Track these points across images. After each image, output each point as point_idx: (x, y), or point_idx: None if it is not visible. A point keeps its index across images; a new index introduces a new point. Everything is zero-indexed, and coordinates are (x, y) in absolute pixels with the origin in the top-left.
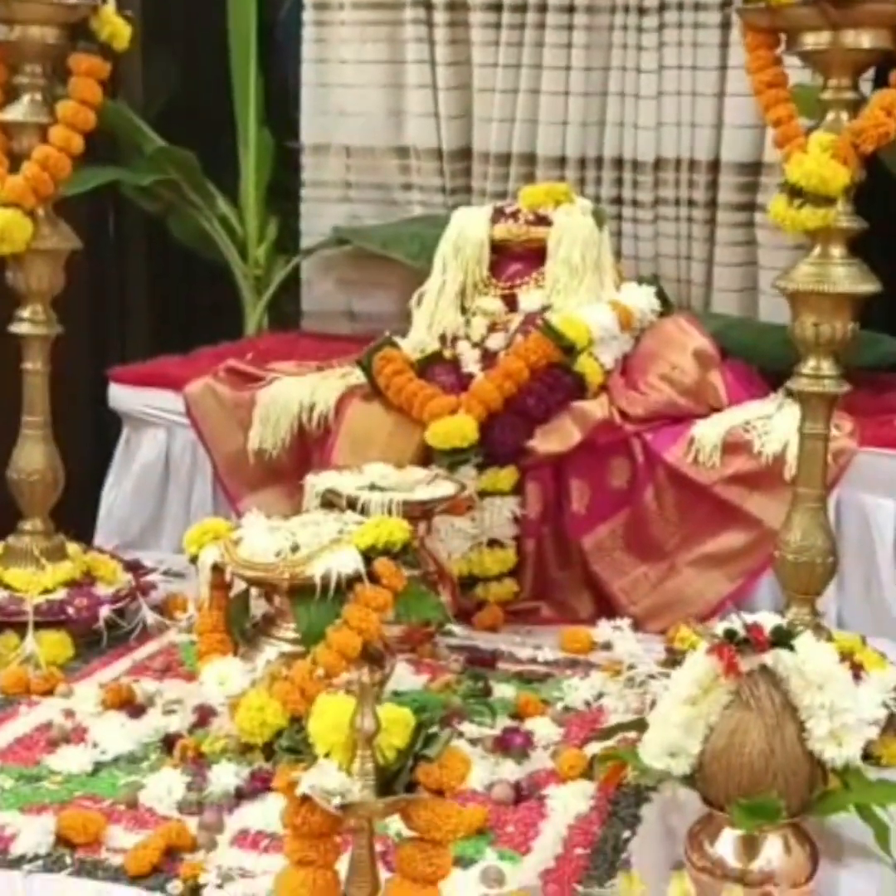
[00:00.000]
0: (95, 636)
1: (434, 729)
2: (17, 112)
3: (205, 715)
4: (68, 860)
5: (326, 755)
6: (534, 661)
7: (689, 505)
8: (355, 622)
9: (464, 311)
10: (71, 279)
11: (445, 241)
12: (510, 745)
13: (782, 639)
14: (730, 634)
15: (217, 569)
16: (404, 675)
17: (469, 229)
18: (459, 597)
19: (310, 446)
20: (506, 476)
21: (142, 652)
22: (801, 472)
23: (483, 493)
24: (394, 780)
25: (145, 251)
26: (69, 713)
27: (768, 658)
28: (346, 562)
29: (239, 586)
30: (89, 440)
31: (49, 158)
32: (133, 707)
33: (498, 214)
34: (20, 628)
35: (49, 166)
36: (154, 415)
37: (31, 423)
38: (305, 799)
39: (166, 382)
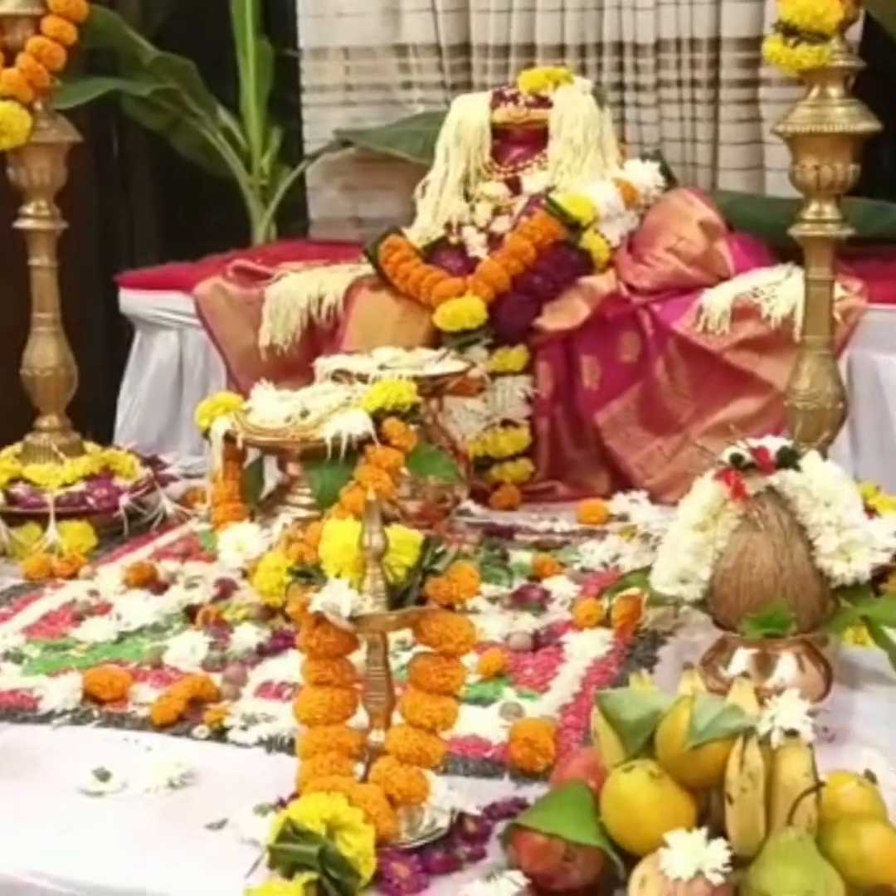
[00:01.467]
0: (117, 526)
1: (442, 547)
2: (9, 5)
3: (227, 588)
4: (95, 714)
5: (337, 576)
6: (551, 532)
7: (700, 375)
8: (368, 483)
9: (468, 197)
10: (78, 201)
11: (446, 128)
12: (527, 599)
13: (788, 460)
14: (736, 459)
15: (229, 439)
16: None
17: (469, 116)
18: (475, 478)
19: (320, 339)
20: (516, 356)
21: (163, 540)
22: (808, 320)
23: (494, 374)
24: (404, 597)
25: (150, 170)
26: (93, 592)
27: (775, 479)
28: (356, 424)
29: (253, 458)
30: (104, 352)
31: (43, 49)
32: (156, 584)
33: (497, 99)
34: (42, 520)
35: (43, 57)
36: (165, 318)
37: (42, 320)
38: (319, 620)
39: (176, 285)
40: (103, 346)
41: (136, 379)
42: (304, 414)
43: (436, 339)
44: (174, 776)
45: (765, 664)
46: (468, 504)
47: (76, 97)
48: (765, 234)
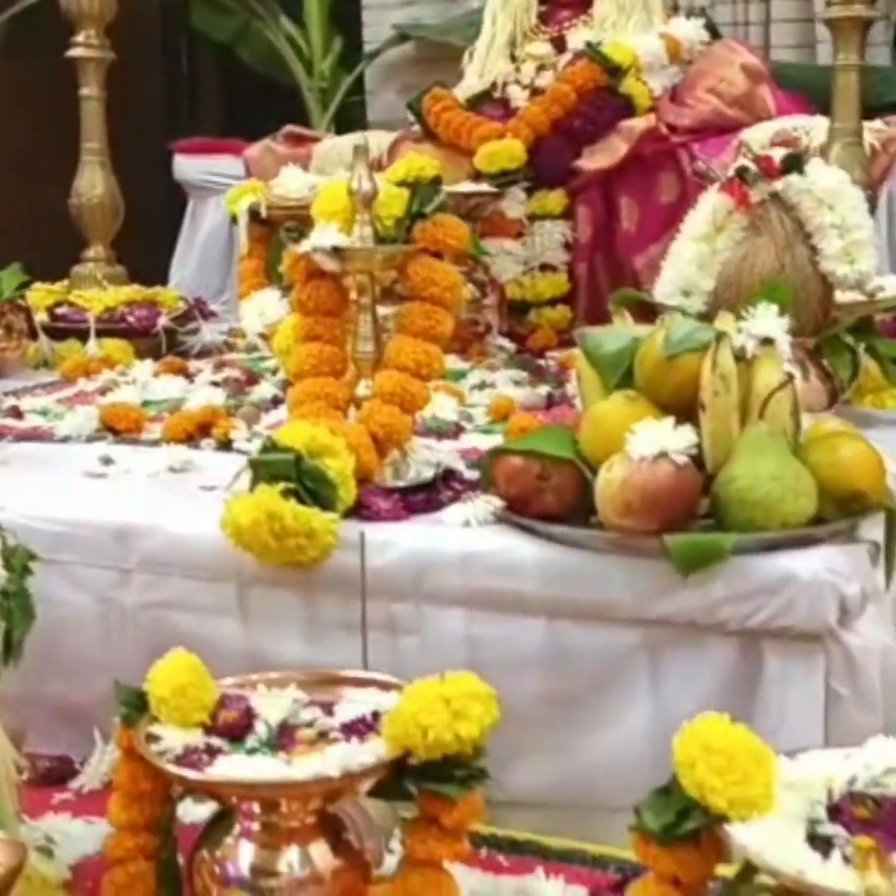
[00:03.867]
0: (156, 350)
1: (431, 191)
2: None
3: (253, 377)
4: (109, 438)
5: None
6: None
7: None
8: None
9: (514, 59)
10: (147, 117)
11: None
12: (545, 372)
13: (793, 165)
14: (741, 171)
15: (256, 219)
16: (449, 361)
17: None
18: (512, 321)
19: None
20: (555, 199)
21: (200, 364)
22: (837, 107)
23: (532, 217)
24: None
25: (216, 85)
26: (124, 374)
27: (779, 184)
28: None
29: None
30: (163, 234)
31: None
32: (187, 374)
33: None
34: (83, 336)
35: None
36: (216, 181)
37: (90, 150)
38: (311, 274)
39: (227, 150)
40: (166, 233)
41: (187, 245)
42: None
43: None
44: (176, 463)
45: None
46: (504, 342)
47: None
48: (813, 99)
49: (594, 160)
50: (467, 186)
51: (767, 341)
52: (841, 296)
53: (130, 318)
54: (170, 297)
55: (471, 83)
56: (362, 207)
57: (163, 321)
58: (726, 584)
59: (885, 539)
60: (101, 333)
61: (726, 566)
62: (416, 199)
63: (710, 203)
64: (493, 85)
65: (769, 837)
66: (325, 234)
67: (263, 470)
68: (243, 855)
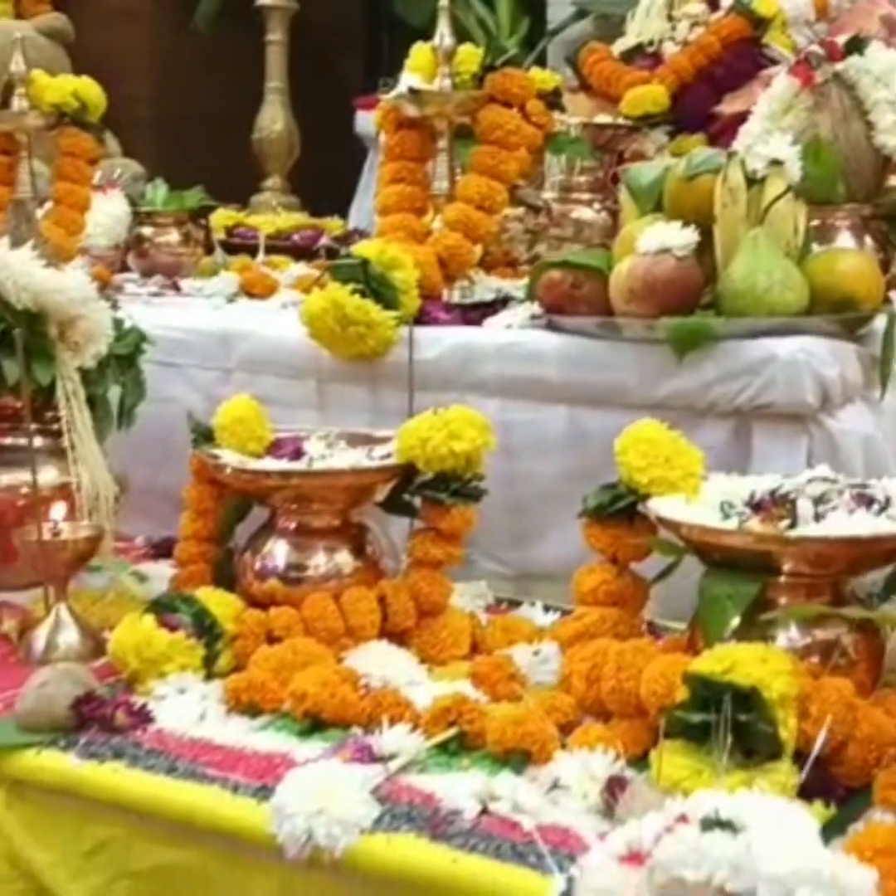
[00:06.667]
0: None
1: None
2: None
3: None
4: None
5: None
6: None
7: None
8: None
9: (671, 19)
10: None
11: None
12: None
13: (855, 47)
14: (808, 55)
15: None
16: None
17: None
18: None
19: None
20: (693, 142)
21: None
22: None
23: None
24: None
25: None
26: None
27: (841, 65)
28: None
29: None
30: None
31: None
32: None
33: None
34: (253, 252)
35: None
36: None
37: (272, 89)
38: (399, 123)
39: None
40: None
41: (364, 197)
42: None
43: None
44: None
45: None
46: None
47: None
48: None
49: (733, 105)
50: (603, 118)
51: (776, 162)
52: None
53: (296, 237)
54: (335, 225)
55: (628, 40)
56: (443, 61)
57: (324, 240)
58: (716, 365)
59: (882, 347)
60: (269, 250)
61: (717, 349)
62: (489, 55)
63: (780, 85)
64: (650, 42)
65: (684, 510)
66: (408, 81)
67: (337, 273)
68: (279, 554)
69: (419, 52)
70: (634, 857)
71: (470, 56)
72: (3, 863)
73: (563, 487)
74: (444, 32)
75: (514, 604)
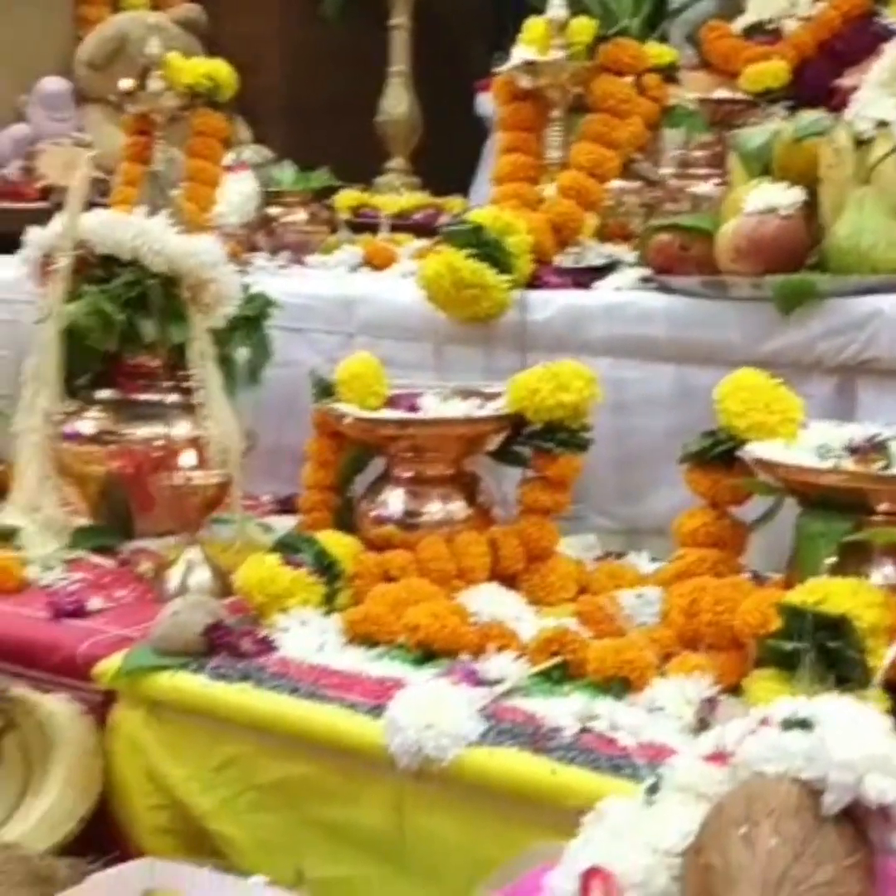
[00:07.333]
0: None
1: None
2: None
3: None
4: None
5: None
6: None
7: None
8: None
9: None
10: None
11: None
12: None
13: None
14: None
15: None
16: None
17: None
18: None
19: None
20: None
21: None
22: None
23: None
24: None
25: None
26: None
27: None
28: None
29: None
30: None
31: None
32: None
33: None
34: (376, 231)
35: None
36: None
37: (396, 73)
38: (514, 94)
39: None
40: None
41: (485, 178)
42: None
43: None
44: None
45: None
46: None
47: None
48: None
49: (853, 79)
50: (721, 93)
51: (882, 124)
52: None
53: (416, 216)
54: (456, 204)
55: (748, 17)
56: (556, 33)
57: (444, 219)
58: (822, 321)
59: None
60: (392, 229)
61: (822, 306)
62: (602, 26)
63: (891, 54)
64: (770, 19)
65: (781, 453)
66: (522, 53)
67: (452, 238)
68: (395, 501)
69: (533, 25)
70: (719, 757)
71: (583, 27)
72: (142, 777)
73: (671, 443)
74: (557, 4)
75: (622, 557)
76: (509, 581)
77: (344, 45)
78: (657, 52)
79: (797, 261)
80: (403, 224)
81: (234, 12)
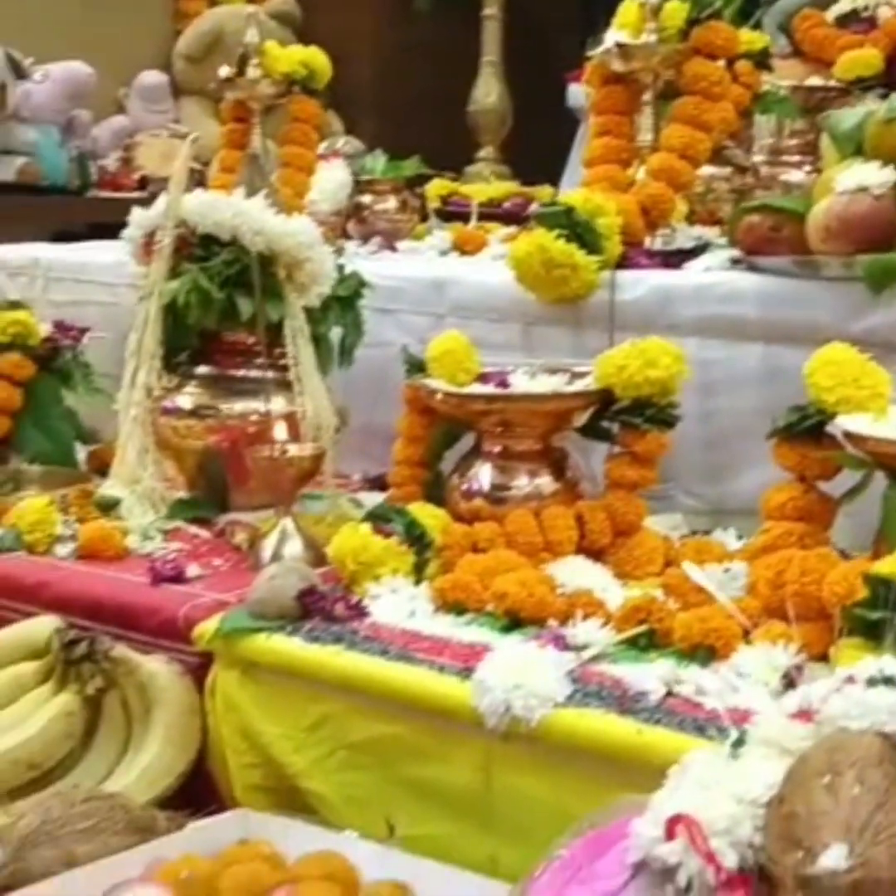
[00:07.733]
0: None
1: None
2: None
3: None
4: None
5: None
6: None
7: None
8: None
9: None
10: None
11: None
12: None
13: None
14: None
15: None
16: None
17: None
18: None
19: None
20: None
21: None
22: None
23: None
24: None
25: None
26: None
27: None
28: None
29: None
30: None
31: None
32: None
33: None
34: (466, 220)
35: None
36: None
37: (488, 63)
38: (607, 78)
39: None
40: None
41: (575, 168)
42: None
43: None
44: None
45: None
46: None
47: None
48: None
49: None
50: (814, 80)
51: None
52: None
53: (507, 205)
54: (546, 193)
55: (843, 6)
56: (649, 17)
57: (534, 207)
58: None
59: None
60: (482, 217)
61: None
62: (695, 9)
63: None
64: (865, 7)
65: (871, 427)
66: (615, 37)
67: (543, 219)
68: (484, 476)
69: (626, 9)
70: (804, 715)
71: (675, 11)
72: (237, 736)
73: (758, 424)
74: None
75: (708, 535)
76: (596, 555)
77: (434, 39)
78: (749, 38)
79: (888, 240)
80: (492, 212)
81: (327, 6)
